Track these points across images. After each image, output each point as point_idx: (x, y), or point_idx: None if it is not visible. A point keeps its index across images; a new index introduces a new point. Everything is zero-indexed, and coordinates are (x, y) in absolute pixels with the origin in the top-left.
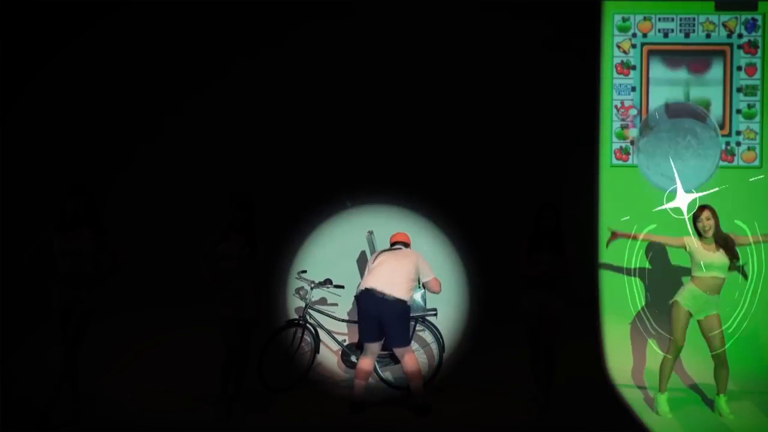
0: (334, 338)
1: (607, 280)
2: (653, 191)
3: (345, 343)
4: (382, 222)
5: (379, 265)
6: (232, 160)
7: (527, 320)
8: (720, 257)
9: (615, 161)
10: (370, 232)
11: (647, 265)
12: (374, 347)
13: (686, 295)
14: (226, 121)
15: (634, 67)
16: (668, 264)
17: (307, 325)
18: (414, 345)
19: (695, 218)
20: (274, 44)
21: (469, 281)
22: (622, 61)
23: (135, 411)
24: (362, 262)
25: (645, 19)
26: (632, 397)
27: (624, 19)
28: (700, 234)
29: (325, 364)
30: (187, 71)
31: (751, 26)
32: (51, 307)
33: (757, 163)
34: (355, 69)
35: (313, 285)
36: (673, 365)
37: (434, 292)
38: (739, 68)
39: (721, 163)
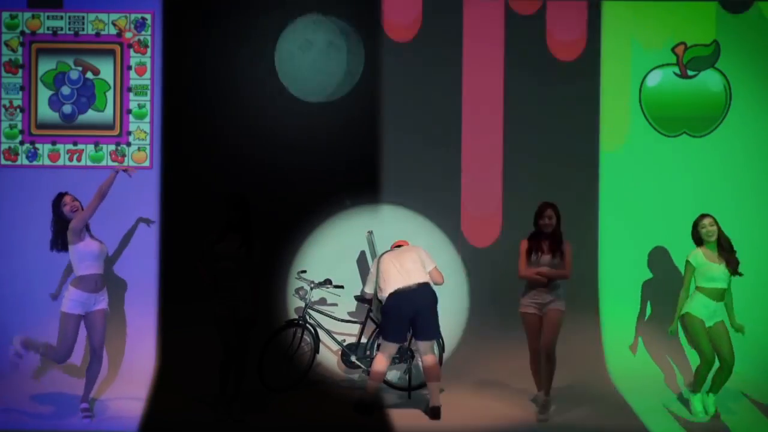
0: (333, 338)
1: (607, 280)
2: (652, 192)
3: (345, 343)
4: (382, 222)
5: (390, 268)
6: (233, 160)
7: (527, 320)
8: (723, 269)
9: None
10: (370, 232)
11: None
12: (395, 348)
13: (695, 305)
14: (226, 121)
15: (23, 66)
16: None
17: (307, 325)
18: (414, 345)
19: (697, 224)
20: (274, 41)
21: (469, 281)
22: (10, 60)
23: (135, 410)
24: (362, 262)
25: (34, 16)
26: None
27: (12, 17)
28: (701, 241)
29: (325, 364)
30: (186, 69)
31: (140, 25)
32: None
33: (147, 164)
34: (355, 68)
35: (312, 285)
36: (708, 373)
37: (437, 283)
38: (129, 68)
39: (111, 163)
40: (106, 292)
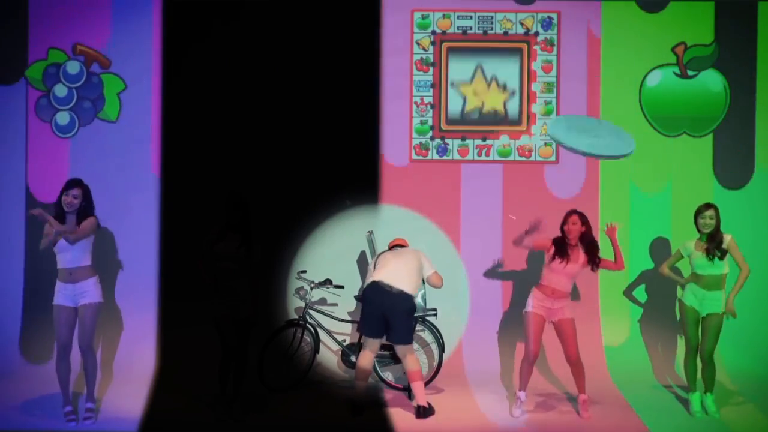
0: (334, 338)
1: (607, 280)
2: (652, 195)
3: (345, 343)
4: (382, 222)
5: (384, 263)
6: (232, 160)
7: (531, 320)
8: (707, 257)
9: None
10: (370, 232)
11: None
12: (374, 344)
13: (687, 294)
14: (226, 121)
15: (434, 64)
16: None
17: (307, 325)
18: (414, 345)
19: (698, 213)
20: (275, 43)
21: (469, 281)
22: (421, 58)
23: (135, 410)
24: (362, 262)
25: (444, 17)
26: (662, 397)
27: (423, 17)
28: (699, 231)
29: (325, 364)
30: (186, 70)
31: (547, 24)
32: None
33: (553, 158)
34: (356, 68)
35: (313, 285)
36: (695, 364)
37: (436, 287)
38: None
39: (519, 158)
40: (92, 285)
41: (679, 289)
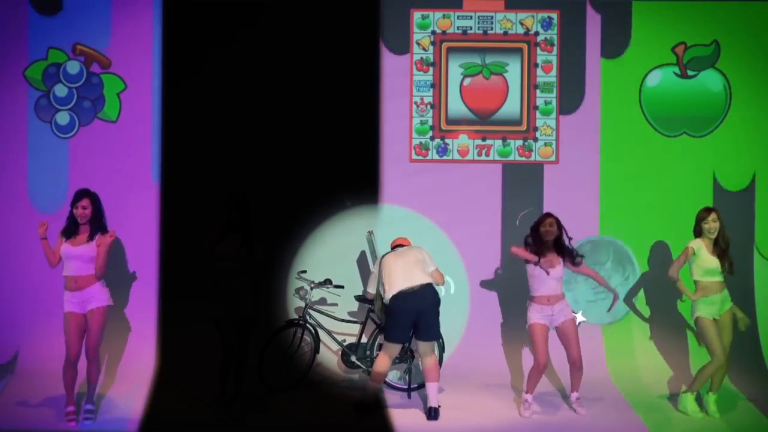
0: (334, 338)
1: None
2: (651, 191)
3: (345, 343)
4: (382, 222)
5: (392, 269)
6: (233, 160)
7: (536, 331)
8: (717, 261)
9: None
10: (370, 232)
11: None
12: (397, 349)
13: (705, 306)
14: (226, 121)
15: (434, 64)
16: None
17: (307, 325)
18: (414, 345)
19: (701, 219)
20: (275, 42)
21: (469, 281)
22: (421, 58)
23: (135, 410)
24: (362, 262)
25: (444, 17)
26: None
27: (423, 17)
28: (701, 234)
29: (325, 364)
30: (185, 70)
31: (547, 24)
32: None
33: (553, 158)
34: (355, 67)
35: (313, 285)
36: (712, 373)
37: (438, 284)
38: (536, 65)
39: (519, 158)
40: (98, 290)
41: (682, 304)
